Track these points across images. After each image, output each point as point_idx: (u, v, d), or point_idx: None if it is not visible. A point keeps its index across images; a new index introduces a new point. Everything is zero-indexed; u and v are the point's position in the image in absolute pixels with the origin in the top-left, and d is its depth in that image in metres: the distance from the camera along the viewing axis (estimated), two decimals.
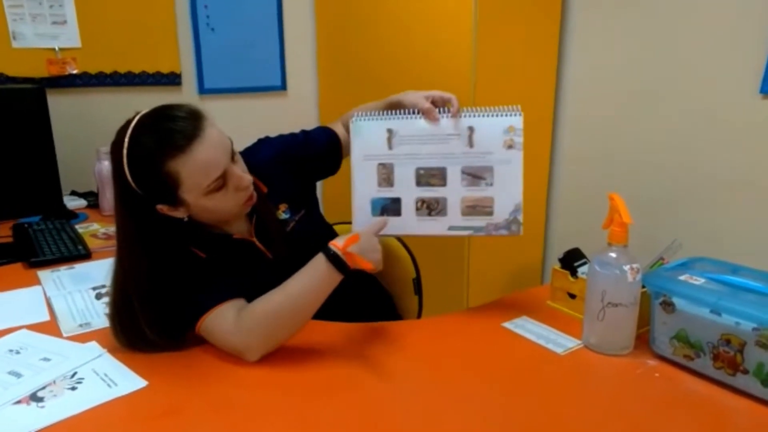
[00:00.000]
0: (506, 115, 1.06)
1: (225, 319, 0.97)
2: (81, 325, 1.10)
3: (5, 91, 1.81)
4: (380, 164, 1.11)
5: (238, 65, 2.45)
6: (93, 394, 0.87)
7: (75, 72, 2.09)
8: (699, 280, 0.92)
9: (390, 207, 1.12)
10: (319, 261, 0.99)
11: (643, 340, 1.00)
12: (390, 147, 1.10)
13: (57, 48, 2.05)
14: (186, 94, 2.36)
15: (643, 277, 0.95)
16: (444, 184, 1.10)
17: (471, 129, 1.07)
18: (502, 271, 2.21)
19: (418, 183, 1.10)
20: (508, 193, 1.08)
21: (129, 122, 0.96)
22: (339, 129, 1.28)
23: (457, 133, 1.08)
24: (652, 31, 1.88)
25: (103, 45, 2.13)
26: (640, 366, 0.95)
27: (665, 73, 1.86)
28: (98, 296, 1.23)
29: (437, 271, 2.03)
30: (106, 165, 1.80)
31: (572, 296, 1.13)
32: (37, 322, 1.12)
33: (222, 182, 0.98)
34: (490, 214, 1.09)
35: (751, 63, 1.64)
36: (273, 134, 1.26)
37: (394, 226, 1.12)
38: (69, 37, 2.07)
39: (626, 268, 0.93)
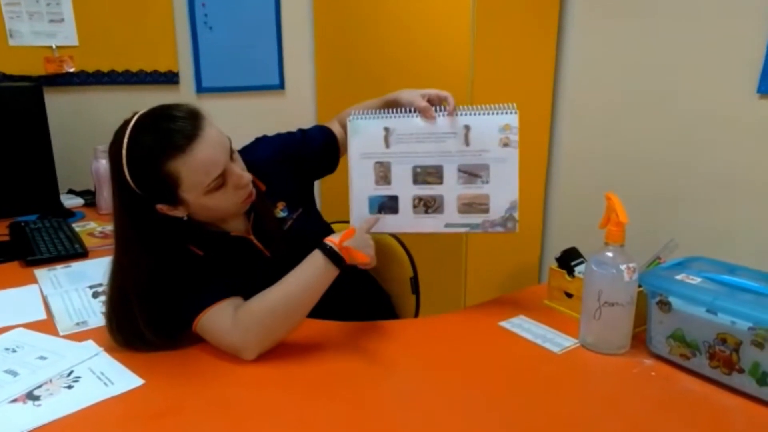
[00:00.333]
0: (502, 114, 1.07)
1: (222, 317, 0.97)
2: (77, 324, 1.10)
3: (2, 89, 1.81)
4: (377, 162, 1.11)
5: (236, 64, 2.45)
6: (89, 393, 0.87)
7: (72, 70, 2.09)
8: (695, 280, 0.92)
9: (387, 205, 1.13)
10: (316, 256, 1.00)
11: (640, 340, 1.00)
12: (387, 145, 1.11)
13: (54, 46, 2.05)
14: (184, 93, 2.35)
15: (640, 277, 0.96)
16: (440, 182, 1.10)
17: (467, 127, 1.08)
18: (500, 271, 2.21)
19: (415, 181, 1.11)
20: (503, 190, 1.09)
21: (127, 122, 0.96)
22: (336, 127, 1.28)
23: (453, 132, 1.09)
24: (649, 30, 1.88)
25: (100, 43, 2.13)
26: (637, 365, 0.95)
27: (663, 72, 1.87)
28: (95, 295, 1.23)
29: (435, 271, 2.03)
30: (103, 163, 1.80)
31: (569, 295, 1.13)
32: (34, 321, 1.12)
33: (221, 181, 0.98)
34: (486, 211, 1.10)
35: (748, 62, 1.64)
36: (271, 133, 1.27)
37: (392, 223, 1.13)
38: (66, 35, 2.07)
39: (623, 267, 0.93)
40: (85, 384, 0.90)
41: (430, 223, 1.12)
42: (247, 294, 1.01)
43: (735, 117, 1.70)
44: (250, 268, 1.09)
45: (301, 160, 1.22)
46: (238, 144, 1.17)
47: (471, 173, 1.09)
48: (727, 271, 0.95)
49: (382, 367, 0.96)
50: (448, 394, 0.88)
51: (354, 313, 1.17)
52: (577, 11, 2.08)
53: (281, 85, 2.60)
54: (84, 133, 2.06)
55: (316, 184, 1.31)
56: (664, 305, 0.93)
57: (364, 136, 1.11)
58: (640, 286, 0.97)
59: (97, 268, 1.33)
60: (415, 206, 1.12)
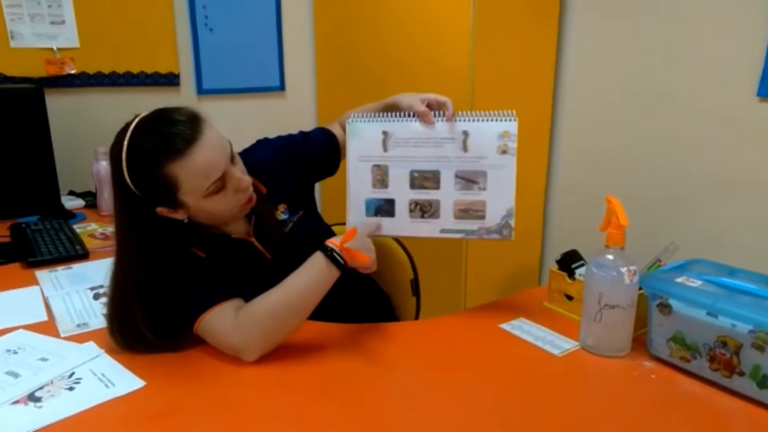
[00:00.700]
0: (501, 121, 1.07)
1: (223, 319, 0.98)
2: (79, 326, 1.10)
3: (3, 90, 1.82)
4: (375, 165, 1.12)
5: (236, 66, 2.45)
6: (91, 395, 0.87)
7: (73, 72, 2.09)
8: (696, 282, 0.93)
9: (384, 208, 1.13)
10: (317, 258, 1.00)
11: (640, 342, 1.00)
12: (385, 149, 1.11)
13: (55, 48, 2.05)
14: (184, 95, 2.36)
15: (640, 279, 0.96)
16: (437, 187, 1.11)
17: (465, 133, 1.08)
18: (500, 273, 2.21)
19: (412, 185, 1.11)
20: (500, 197, 1.09)
21: (128, 125, 0.96)
22: (337, 130, 1.28)
23: (451, 137, 1.09)
24: (650, 34, 1.89)
25: (101, 45, 2.13)
26: (637, 368, 0.95)
27: (663, 75, 1.87)
28: (96, 296, 1.23)
29: (435, 273, 2.03)
30: (104, 165, 1.80)
31: (569, 298, 1.13)
32: (35, 322, 1.12)
33: (221, 184, 0.98)
34: (482, 218, 1.10)
35: (748, 66, 1.65)
36: (272, 135, 1.27)
37: (388, 227, 1.14)
38: (67, 37, 2.07)
39: (623, 270, 0.93)
40: (87, 385, 0.90)
41: (426, 228, 1.12)
42: (249, 296, 1.01)
43: (735, 120, 1.71)
44: (252, 271, 1.09)
45: (302, 162, 1.23)
46: (239, 146, 1.17)
47: (468, 179, 1.09)
48: (727, 274, 0.95)
49: (382, 369, 0.96)
50: (448, 396, 0.88)
51: (354, 314, 1.17)
52: (577, 13, 2.09)
53: (282, 87, 2.60)
54: (85, 134, 2.07)
55: (317, 186, 1.32)
56: (665, 308, 0.93)
57: (363, 139, 1.12)
58: (640, 288, 0.97)
59: (98, 270, 1.34)
60: (411, 210, 1.12)
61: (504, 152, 1.07)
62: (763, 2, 1.59)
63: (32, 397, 0.87)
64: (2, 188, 1.68)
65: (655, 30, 1.87)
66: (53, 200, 1.81)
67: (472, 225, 1.11)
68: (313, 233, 1.21)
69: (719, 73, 1.72)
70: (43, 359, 0.98)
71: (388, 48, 2.19)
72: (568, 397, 0.89)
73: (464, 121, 1.08)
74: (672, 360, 0.94)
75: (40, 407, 0.85)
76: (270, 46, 2.53)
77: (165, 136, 0.93)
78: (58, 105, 2.00)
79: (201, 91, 2.39)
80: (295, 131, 1.28)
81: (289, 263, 1.03)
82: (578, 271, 1.13)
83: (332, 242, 1.01)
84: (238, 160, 1.04)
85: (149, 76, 2.25)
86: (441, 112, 1.09)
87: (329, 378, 0.93)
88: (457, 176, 1.10)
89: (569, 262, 1.15)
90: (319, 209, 1.33)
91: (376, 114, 1.12)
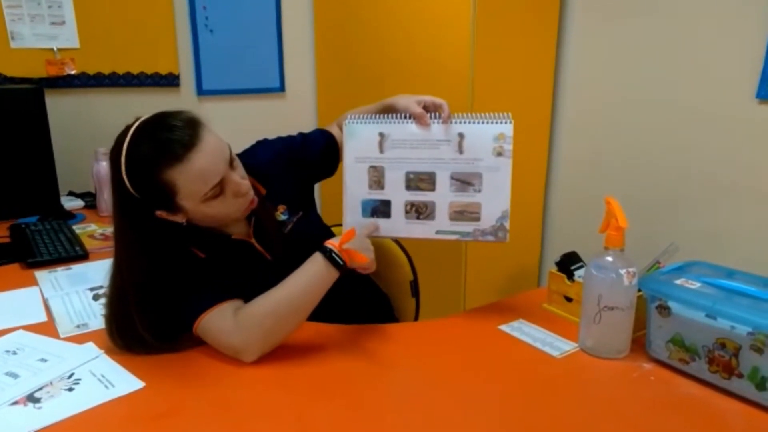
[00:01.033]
0: (497, 123, 1.07)
1: (223, 319, 0.98)
2: (78, 326, 1.10)
3: (3, 91, 1.82)
4: (371, 167, 1.12)
5: (236, 67, 2.46)
6: (90, 395, 0.87)
7: (73, 72, 2.09)
8: (695, 284, 0.93)
9: (380, 209, 1.13)
10: (316, 259, 1.01)
11: (639, 344, 1.00)
12: (381, 150, 1.11)
13: (55, 48, 2.05)
14: (184, 96, 2.36)
15: (639, 281, 0.96)
16: (433, 189, 1.11)
17: (461, 135, 1.08)
18: (499, 274, 2.21)
19: (408, 187, 1.11)
20: (495, 200, 1.09)
21: (128, 128, 0.96)
22: (335, 131, 1.29)
23: (447, 139, 1.09)
24: (650, 35, 1.89)
25: (101, 46, 2.13)
26: (636, 369, 0.95)
27: (663, 78, 1.87)
28: (95, 297, 1.23)
29: (434, 274, 2.03)
30: (104, 165, 1.80)
31: (569, 299, 1.13)
32: (34, 323, 1.12)
33: (220, 189, 0.98)
34: (477, 219, 1.10)
35: (747, 68, 1.65)
36: (272, 136, 1.27)
37: (384, 228, 1.14)
38: (67, 37, 2.07)
39: (622, 271, 0.94)
40: (86, 386, 0.90)
41: (421, 229, 1.13)
42: (248, 297, 1.01)
43: (734, 121, 1.71)
44: (251, 271, 1.09)
45: (301, 163, 1.23)
46: (239, 147, 1.17)
47: (463, 181, 1.09)
48: (726, 276, 0.95)
49: (381, 370, 0.96)
50: (447, 397, 0.88)
51: (354, 315, 1.17)
52: (577, 13, 2.09)
53: (282, 88, 2.60)
54: (85, 135, 2.07)
55: (316, 187, 1.32)
56: (664, 310, 0.93)
57: (360, 140, 1.12)
58: (639, 290, 0.97)
59: (98, 271, 1.34)
60: (407, 212, 1.13)
61: (499, 154, 1.07)
62: (763, 3, 1.60)
63: (31, 398, 0.87)
64: (2, 189, 1.68)
65: (655, 31, 1.87)
66: (53, 201, 1.81)
67: (467, 227, 1.11)
68: (312, 234, 1.21)
69: (719, 74, 1.73)
70: (43, 360, 0.98)
71: (388, 49, 2.19)
72: (567, 399, 0.89)
73: (460, 123, 1.08)
74: (671, 362, 0.94)
75: (40, 408, 0.85)
76: (270, 47, 2.53)
77: (163, 142, 0.93)
78: (58, 105, 2.00)
79: (201, 92, 2.39)
80: (294, 132, 1.29)
81: (289, 264, 1.03)
82: (577, 273, 1.13)
83: (331, 243, 1.01)
84: (238, 164, 1.04)
85: (149, 76, 2.25)
86: (437, 114, 1.09)
87: (329, 379, 0.94)
88: (452, 178, 1.10)
89: (568, 263, 1.15)
90: (319, 210, 1.33)
91: (373, 116, 1.13)
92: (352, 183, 1.13)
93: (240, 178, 1.01)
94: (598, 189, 2.10)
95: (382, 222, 1.14)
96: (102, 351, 1.00)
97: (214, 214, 1.02)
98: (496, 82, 1.97)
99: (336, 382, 0.93)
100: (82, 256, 1.48)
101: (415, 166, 1.11)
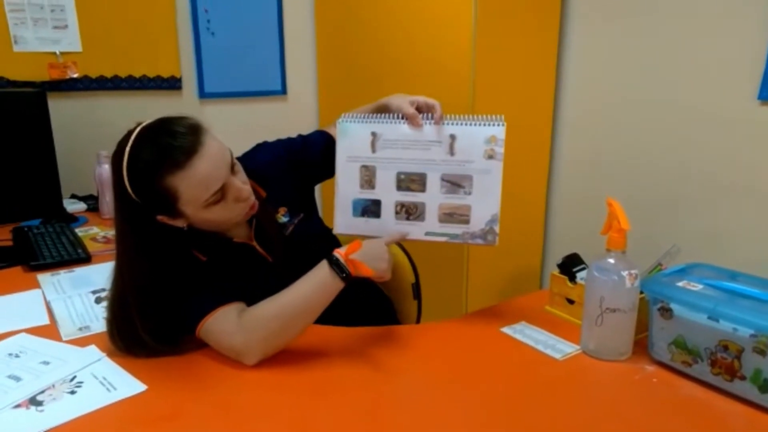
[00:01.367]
0: (489, 125, 1.06)
1: (226, 321, 0.98)
2: (80, 329, 1.11)
3: (6, 94, 1.82)
4: (363, 166, 1.12)
5: (238, 69, 2.46)
6: (92, 398, 0.88)
7: (76, 76, 2.10)
8: (697, 286, 0.93)
9: (370, 209, 1.13)
10: (322, 268, 1.01)
11: (642, 346, 1.00)
12: (373, 150, 1.11)
13: (58, 52, 2.06)
14: (186, 99, 2.36)
15: (642, 283, 0.96)
16: (423, 190, 1.10)
17: (453, 137, 1.08)
18: (501, 277, 2.21)
19: (399, 187, 1.11)
20: (485, 202, 1.08)
21: (130, 133, 0.96)
22: (334, 132, 1.28)
23: (438, 141, 1.09)
24: (651, 36, 1.89)
25: (104, 49, 2.14)
26: (638, 372, 0.95)
27: (664, 79, 1.87)
28: (98, 300, 1.24)
29: (436, 276, 2.03)
30: (106, 168, 1.81)
31: (571, 302, 1.13)
32: (37, 326, 1.13)
33: (221, 195, 0.98)
34: (467, 222, 1.10)
35: (749, 69, 1.65)
36: (273, 139, 1.27)
37: (374, 228, 1.13)
38: (70, 41, 2.08)
39: (624, 273, 0.93)
40: (88, 389, 0.90)
41: (411, 231, 1.12)
42: (250, 299, 1.01)
43: (736, 123, 1.70)
44: (253, 274, 1.09)
45: (301, 165, 1.23)
46: (241, 150, 1.17)
47: (454, 183, 1.09)
48: (728, 278, 0.95)
49: (383, 373, 0.96)
50: (449, 399, 0.88)
51: (355, 318, 1.17)
52: (578, 14, 2.09)
53: (283, 91, 2.61)
54: (87, 138, 2.07)
55: (317, 189, 1.32)
56: (666, 312, 0.93)
57: (352, 139, 1.12)
58: (641, 292, 0.97)
59: (100, 273, 1.34)
60: (397, 212, 1.12)
61: (491, 157, 1.07)
62: (764, 4, 1.60)
63: (34, 401, 0.87)
64: (4, 192, 1.69)
65: (656, 32, 1.87)
66: (55, 204, 1.81)
67: (456, 229, 1.11)
68: (313, 236, 1.21)
69: (720, 76, 1.72)
70: (45, 363, 0.98)
71: (390, 51, 2.20)
72: (569, 401, 0.88)
73: (452, 124, 1.08)
74: (673, 364, 0.94)
75: (42, 411, 0.85)
76: (272, 50, 2.54)
77: (165, 148, 0.93)
78: (60, 109, 2.00)
79: (203, 95, 2.40)
80: (295, 135, 1.29)
81: (291, 266, 1.03)
82: (579, 275, 1.13)
83: (339, 252, 1.01)
84: (239, 169, 1.04)
85: (151, 80, 2.26)
86: (430, 115, 1.09)
87: (330, 381, 0.93)
88: (443, 180, 1.09)
89: (570, 265, 1.14)
90: (320, 212, 1.33)
91: (367, 115, 1.13)
92: (344, 182, 1.13)
93: (241, 183, 1.01)
94: (600, 190, 2.10)
95: (372, 222, 1.13)
96: (104, 354, 1.00)
97: (216, 219, 1.01)
98: (497, 82, 1.97)
99: (337, 385, 0.93)
100: (85, 258, 1.48)
101: (406, 167, 1.10)
